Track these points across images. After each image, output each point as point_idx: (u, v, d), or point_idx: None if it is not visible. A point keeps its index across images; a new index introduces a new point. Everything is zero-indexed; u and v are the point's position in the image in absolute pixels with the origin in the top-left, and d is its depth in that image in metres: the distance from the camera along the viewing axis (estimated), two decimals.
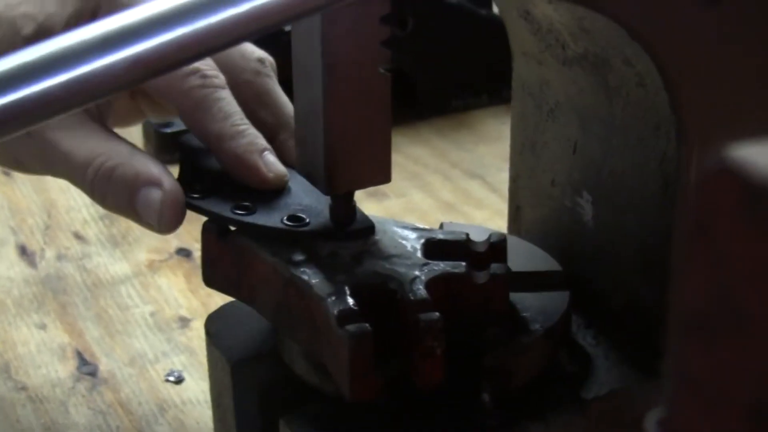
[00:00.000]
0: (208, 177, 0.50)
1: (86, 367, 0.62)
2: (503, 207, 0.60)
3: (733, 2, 0.43)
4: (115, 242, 0.75)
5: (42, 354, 0.63)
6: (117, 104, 0.56)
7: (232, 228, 0.48)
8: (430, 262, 0.46)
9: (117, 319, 0.67)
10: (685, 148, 0.45)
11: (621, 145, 0.49)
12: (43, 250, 0.74)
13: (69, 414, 0.58)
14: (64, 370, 0.62)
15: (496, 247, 0.48)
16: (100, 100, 0.37)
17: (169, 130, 0.82)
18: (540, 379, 0.48)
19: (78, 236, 0.76)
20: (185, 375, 0.61)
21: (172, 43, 0.36)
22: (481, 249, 0.48)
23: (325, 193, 0.47)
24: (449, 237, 0.48)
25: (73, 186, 0.50)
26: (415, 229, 0.49)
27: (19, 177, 0.84)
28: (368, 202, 0.77)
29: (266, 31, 0.38)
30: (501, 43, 0.56)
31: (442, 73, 0.92)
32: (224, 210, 0.48)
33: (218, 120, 0.49)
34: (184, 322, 0.66)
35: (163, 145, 0.83)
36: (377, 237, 0.48)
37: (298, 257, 0.46)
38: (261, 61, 0.54)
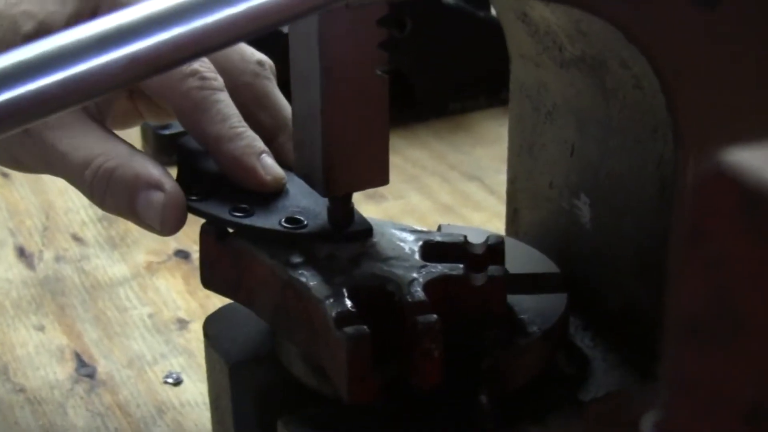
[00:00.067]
0: (206, 179, 0.50)
1: (84, 368, 0.62)
2: (501, 209, 0.60)
3: (730, 5, 0.43)
4: (113, 244, 0.75)
5: (40, 356, 0.63)
6: (116, 105, 0.56)
7: (231, 230, 0.48)
8: (427, 264, 0.46)
9: (115, 321, 0.67)
10: (682, 151, 0.45)
11: (618, 148, 0.49)
12: (41, 251, 0.74)
13: (67, 416, 0.59)
14: (62, 371, 0.62)
15: (494, 249, 0.48)
16: (97, 98, 0.37)
17: (167, 132, 0.82)
18: (538, 381, 0.48)
19: (76, 238, 0.76)
20: (184, 377, 0.61)
21: (168, 42, 0.36)
22: (479, 251, 0.48)
23: (323, 195, 0.47)
24: (447, 239, 0.48)
25: (72, 187, 0.50)
26: (413, 231, 0.49)
27: (18, 178, 0.84)
28: (366, 204, 0.77)
29: (263, 31, 0.38)
30: (499, 45, 0.56)
31: (440, 75, 0.92)
32: (222, 212, 0.48)
33: (216, 122, 0.49)
34: (182, 323, 0.66)
35: (161, 147, 0.83)
36: (375, 239, 0.48)
37: (296, 259, 0.46)
38: (260, 63, 0.54)
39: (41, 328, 0.66)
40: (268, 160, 0.49)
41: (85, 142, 0.49)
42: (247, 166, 0.49)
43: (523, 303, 0.49)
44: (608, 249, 0.51)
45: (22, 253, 0.74)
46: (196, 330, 0.64)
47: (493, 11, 0.89)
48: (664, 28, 0.44)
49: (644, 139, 0.47)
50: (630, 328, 0.50)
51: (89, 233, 0.77)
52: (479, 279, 0.46)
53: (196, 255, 0.65)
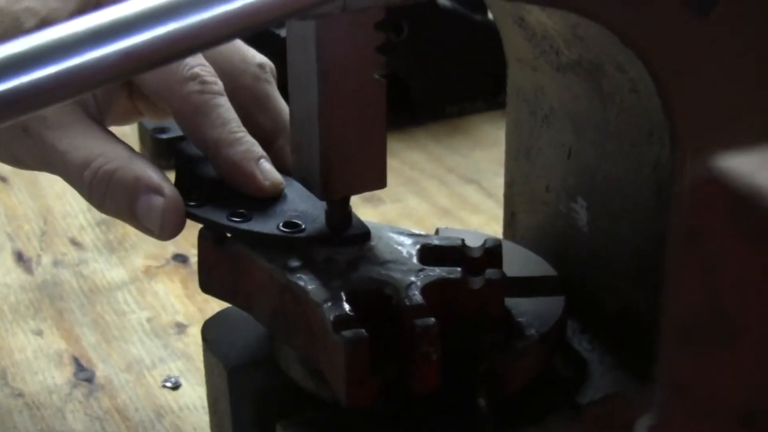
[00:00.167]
0: (204, 184, 0.50)
1: (83, 373, 0.62)
2: (499, 212, 0.60)
3: (725, 10, 0.43)
4: (111, 248, 0.75)
5: (39, 360, 0.63)
6: (115, 105, 0.56)
7: (229, 235, 0.49)
8: (425, 267, 0.46)
9: (114, 325, 0.67)
10: (678, 154, 0.45)
11: (615, 151, 0.49)
12: (39, 256, 0.74)
13: (66, 420, 0.59)
14: (60, 376, 0.62)
15: (492, 252, 0.48)
16: (91, 91, 0.37)
17: (164, 137, 0.82)
18: (535, 384, 0.48)
19: (74, 242, 0.76)
20: (182, 381, 0.61)
21: (164, 37, 0.36)
22: (477, 254, 0.48)
23: (321, 198, 0.47)
24: (445, 242, 0.48)
25: (70, 191, 0.50)
26: (411, 234, 0.49)
27: (16, 183, 0.84)
28: (364, 208, 0.77)
29: (258, 28, 0.38)
30: (496, 49, 0.56)
31: (438, 78, 0.92)
32: (220, 217, 0.48)
33: (216, 126, 0.50)
34: (180, 328, 0.66)
35: (159, 151, 0.83)
36: (373, 242, 0.48)
37: (294, 263, 0.46)
38: (261, 66, 0.54)
39: (39, 333, 0.66)
40: (267, 166, 0.49)
41: (85, 143, 0.49)
42: (245, 172, 0.49)
43: (520, 306, 0.49)
44: (605, 252, 0.51)
45: (20, 257, 0.74)
46: (195, 334, 0.64)
47: (490, 15, 0.90)
48: (660, 32, 0.44)
49: (640, 142, 0.47)
50: (627, 331, 0.50)
51: (87, 237, 0.77)
52: (477, 282, 0.46)
53: (194, 259, 0.65)
